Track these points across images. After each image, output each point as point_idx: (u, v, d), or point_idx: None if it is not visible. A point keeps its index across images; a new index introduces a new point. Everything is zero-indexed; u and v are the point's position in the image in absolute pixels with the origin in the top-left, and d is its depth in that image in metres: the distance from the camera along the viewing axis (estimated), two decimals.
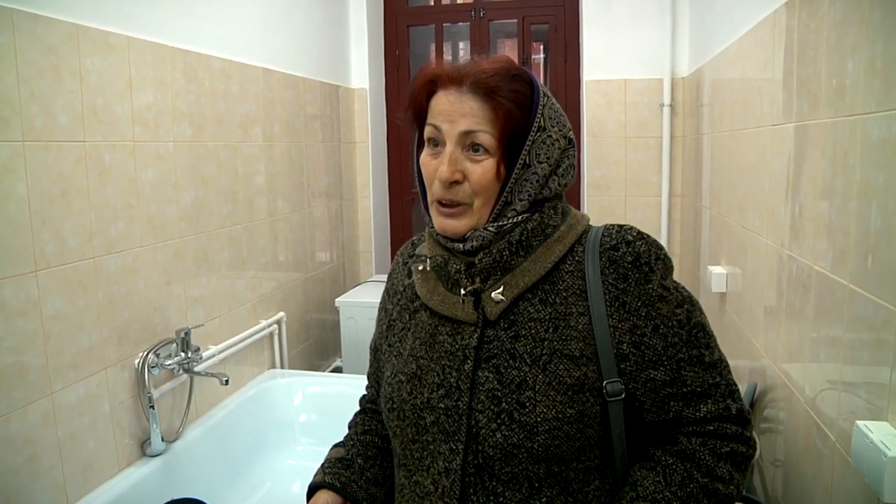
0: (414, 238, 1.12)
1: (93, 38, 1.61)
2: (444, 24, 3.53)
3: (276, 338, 2.58)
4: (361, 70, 3.35)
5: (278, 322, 2.59)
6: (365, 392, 1.20)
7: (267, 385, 2.43)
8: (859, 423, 1.00)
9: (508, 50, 3.57)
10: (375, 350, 1.10)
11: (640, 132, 3.12)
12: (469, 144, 0.90)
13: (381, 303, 1.11)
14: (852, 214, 1.10)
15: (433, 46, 3.58)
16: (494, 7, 3.46)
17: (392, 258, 4.02)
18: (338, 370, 3.08)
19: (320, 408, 2.45)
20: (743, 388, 1.70)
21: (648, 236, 0.93)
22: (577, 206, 3.11)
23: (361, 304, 2.88)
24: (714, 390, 0.90)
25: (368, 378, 1.17)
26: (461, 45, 3.77)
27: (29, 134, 1.44)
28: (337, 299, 2.93)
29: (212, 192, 2.14)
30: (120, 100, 1.71)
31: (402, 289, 1.06)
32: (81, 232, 1.59)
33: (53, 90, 1.50)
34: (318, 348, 3.02)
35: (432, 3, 3.57)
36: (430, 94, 0.93)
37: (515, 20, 3.41)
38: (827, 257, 1.21)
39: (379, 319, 1.10)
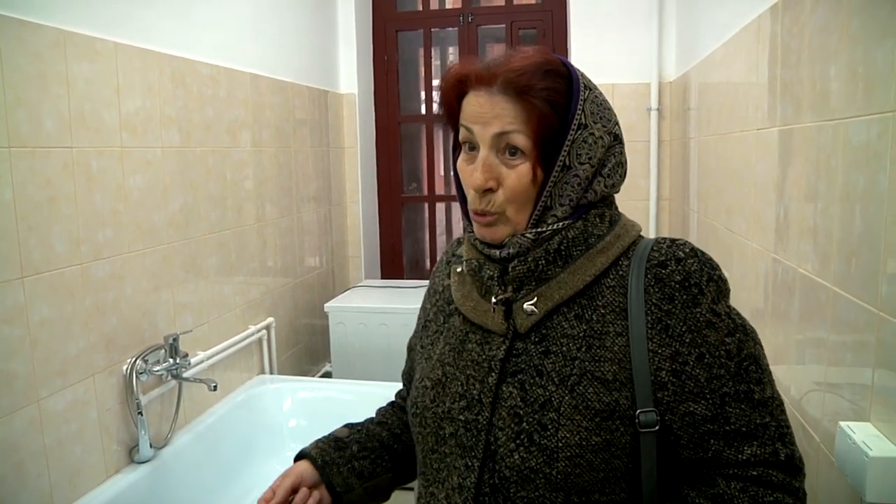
0: (461, 236, 1.03)
1: (79, 44, 1.61)
2: (432, 30, 3.54)
3: (265, 343, 2.57)
4: (350, 75, 3.35)
5: (267, 327, 2.58)
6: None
7: (256, 390, 2.42)
8: (842, 423, 1.01)
9: (496, 55, 3.58)
10: (410, 349, 1.08)
11: (627, 136, 3.06)
12: (504, 147, 0.84)
13: (423, 300, 1.07)
14: (835, 217, 1.11)
15: (422, 51, 3.59)
16: (483, 12, 3.47)
17: (381, 263, 4.00)
18: (327, 375, 3.08)
19: (310, 413, 2.44)
20: None
21: (703, 254, 0.85)
22: None
23: (351, 310, 2.87)
24: (762, 431, 0.81)
25: (402, 376, 1.14)
26: (450, 49, 3.78)
27: (15, 140, 1.43)
28: (326, 304, 2.92)
29: (200, 198, 2.13)
30: (107, 106, 1.71)
31: (441, 289, 1.02)
32: (69, 238, 1.58)
33: (40, 96, 1.49)
34: (307, 353, 3.01)
35: (421, 9, 3.58)
36: (461, 95, 0.88)
37: (503, 25, 3.43)
38: (811, 260, 1.22)
39: (418, 317, 1.07)
